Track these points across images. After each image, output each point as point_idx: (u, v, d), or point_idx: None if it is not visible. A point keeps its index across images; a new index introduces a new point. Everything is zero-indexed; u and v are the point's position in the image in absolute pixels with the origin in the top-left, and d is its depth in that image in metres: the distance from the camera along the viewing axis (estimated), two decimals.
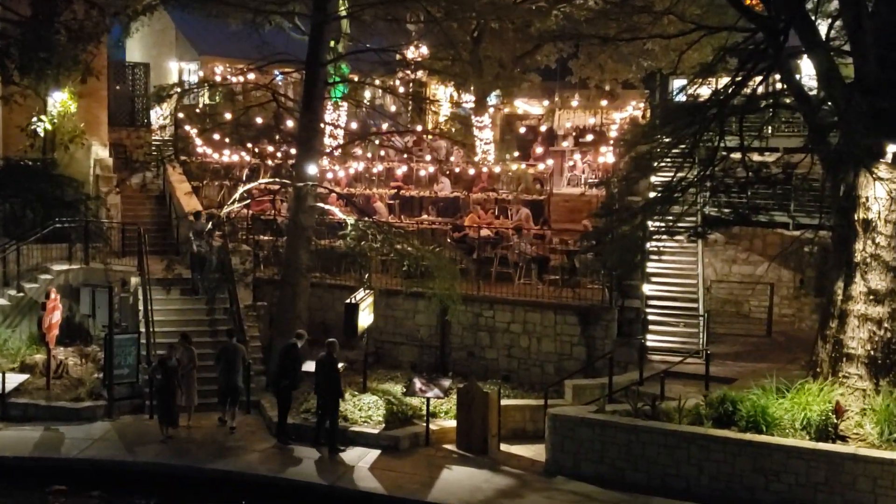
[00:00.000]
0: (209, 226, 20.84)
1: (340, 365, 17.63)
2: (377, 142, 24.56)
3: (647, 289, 20.60)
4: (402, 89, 25.47)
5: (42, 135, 24.12)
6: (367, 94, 25.95)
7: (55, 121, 24.20)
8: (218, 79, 25.52)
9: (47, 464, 16.38)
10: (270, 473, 15.96)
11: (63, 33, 19.21)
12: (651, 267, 20.69)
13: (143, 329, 19.58)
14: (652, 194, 18.82)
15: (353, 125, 26.06)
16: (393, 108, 27.44)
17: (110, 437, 17.43)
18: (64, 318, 20.34)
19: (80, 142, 24.54)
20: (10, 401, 18.32)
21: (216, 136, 23.49)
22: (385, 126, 25.67)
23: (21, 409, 18.23)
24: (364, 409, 17.90)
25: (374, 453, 16.76)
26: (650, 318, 20.19)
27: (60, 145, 24.19)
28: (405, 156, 26.01)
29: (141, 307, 20.12)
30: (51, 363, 19.27)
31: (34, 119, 23.85)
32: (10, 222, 22.76)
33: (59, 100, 24.21)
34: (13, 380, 18.86)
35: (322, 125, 21.20)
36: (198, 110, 25.41)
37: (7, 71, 19.62)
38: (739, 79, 15.62)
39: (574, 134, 29.48)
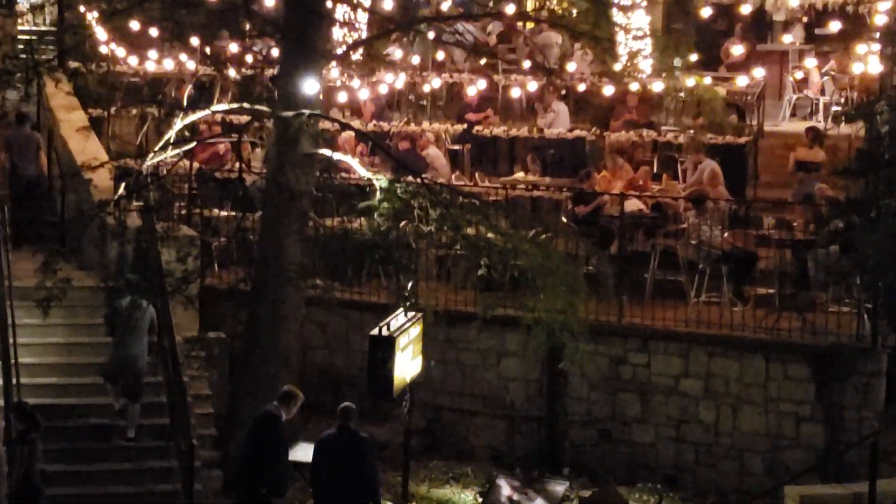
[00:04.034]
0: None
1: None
2: (431, 35, 24.49)
3: None
4: None
5: None
6: None
7: None
8: None
9: None
10: None
11: None
12: None
13: None
14: None
15: (387, 4, 26.02)
16: None
17: None
18: None
19: None
20: None
21: (134, 26, 23.74)
22: (446, 6, 25.55)
23: None
24: None
25: None
26: None
27: None
28: (483, 62, 25.93)
29: None
30: None
31: None
32: None
33: None
34: None
35: (328, 4, 21.24)
36: None
37: None
38: None
39: (805, 20, 29.21)
